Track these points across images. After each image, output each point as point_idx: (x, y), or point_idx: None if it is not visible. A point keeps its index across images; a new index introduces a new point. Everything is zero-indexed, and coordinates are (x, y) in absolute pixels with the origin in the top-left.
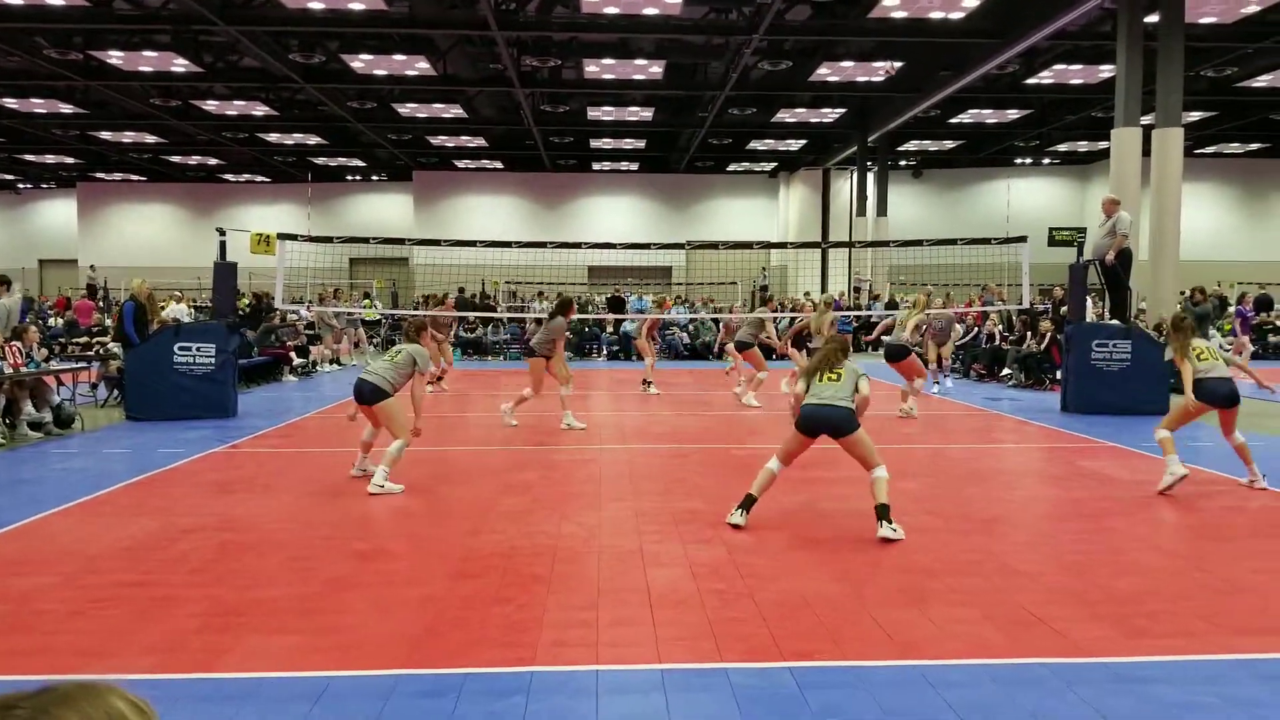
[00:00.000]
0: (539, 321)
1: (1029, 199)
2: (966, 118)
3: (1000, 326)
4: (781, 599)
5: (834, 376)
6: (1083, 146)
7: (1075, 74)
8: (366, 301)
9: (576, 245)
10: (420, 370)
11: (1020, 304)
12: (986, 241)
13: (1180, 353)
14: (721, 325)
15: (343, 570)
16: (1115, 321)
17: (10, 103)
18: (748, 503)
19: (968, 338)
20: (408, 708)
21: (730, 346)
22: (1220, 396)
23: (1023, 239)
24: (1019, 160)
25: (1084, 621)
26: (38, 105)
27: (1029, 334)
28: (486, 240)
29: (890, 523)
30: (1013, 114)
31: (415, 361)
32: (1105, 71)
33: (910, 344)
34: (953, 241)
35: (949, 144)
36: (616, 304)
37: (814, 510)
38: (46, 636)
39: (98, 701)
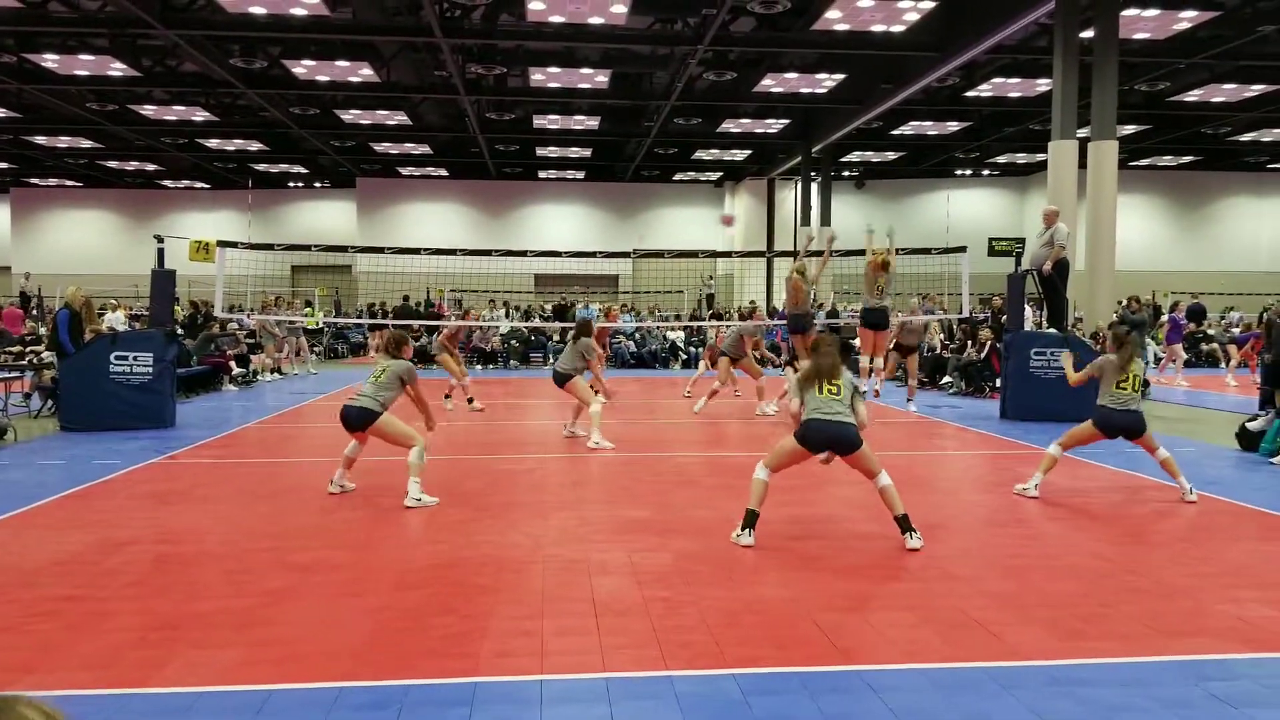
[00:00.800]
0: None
1: (969, 209)
2: (908, 129)
3: (941, 335)
4: (725, 606)
5: (834, 389)
6: (1021, 158)
7: (1013, 87)
8: (308, 309)
9: (522, 253)
10: (408, 383)
11: (960, 313)
12: (927, 251)
13: (1109, 369)
14: (708, 343)
15: (283, 582)
16: (1053, 330)
17: None
18: (751, 520)
19: None
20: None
21: (721, 360)
22: (1117, 428)
23: (962, 249)
24: (959, 171)
25: (1020, 625)
26: None
27: (969, 342)
28: (431, 248)
29: (914, 531)
30: (953, 126)
31: (402, 379)
32: (1043, 85)
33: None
34: (895, 251)
35: (891, 155)
36: (562, 312)
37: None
38: None
39: (7, 712)
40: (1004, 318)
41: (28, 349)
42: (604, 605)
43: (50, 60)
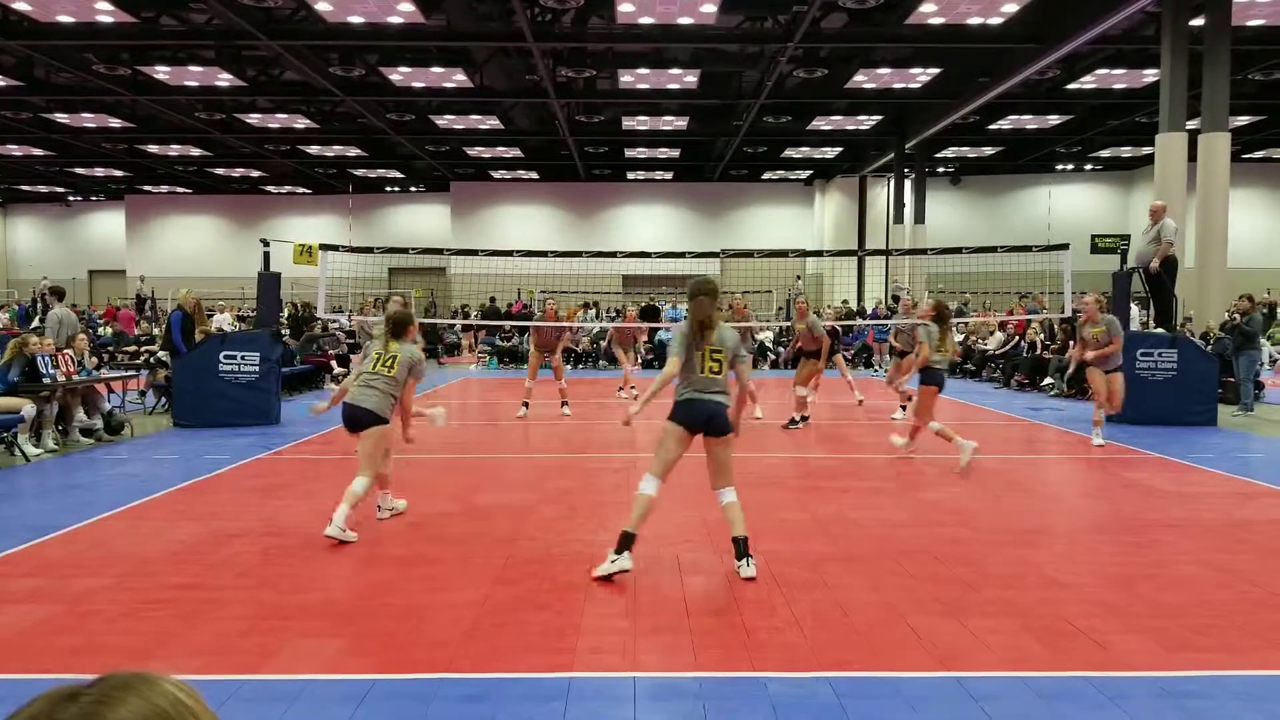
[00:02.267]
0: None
1: (1071, 206)
2: (1006, 124)
3: (1042, 335)
4: (817, 609)
5: (715, 365)
6: (1126, 152)
7: (1118, 79)
8: None
9: (612, 254)
10: (415, 378)
11: (1062, 313)
12: (1028, 249)
13: (929, 340)
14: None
15: (384, 575)
16: (1161, 330)
17: (61, 118)
18: (627, 542)
19: (1008, 346)
20: (448, 711)
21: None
22: (942, 380)
23: (1065, 246)
24: (1060, 166)
25: (1126, 634)
26: (88, 120)
27: (1071, 343)
28: (522, 250)
29: (751, 558)
30: (1054, 119)
31: (410, 370)
32: (1149, 76)
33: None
34: (993, 249)
35: (988, 150)
36: (651, 313)
37: (846, 520)
38: (97, 637)
39: (155, 687)
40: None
41: (142, 349)
42: (695, 605)
43: (161, 72)
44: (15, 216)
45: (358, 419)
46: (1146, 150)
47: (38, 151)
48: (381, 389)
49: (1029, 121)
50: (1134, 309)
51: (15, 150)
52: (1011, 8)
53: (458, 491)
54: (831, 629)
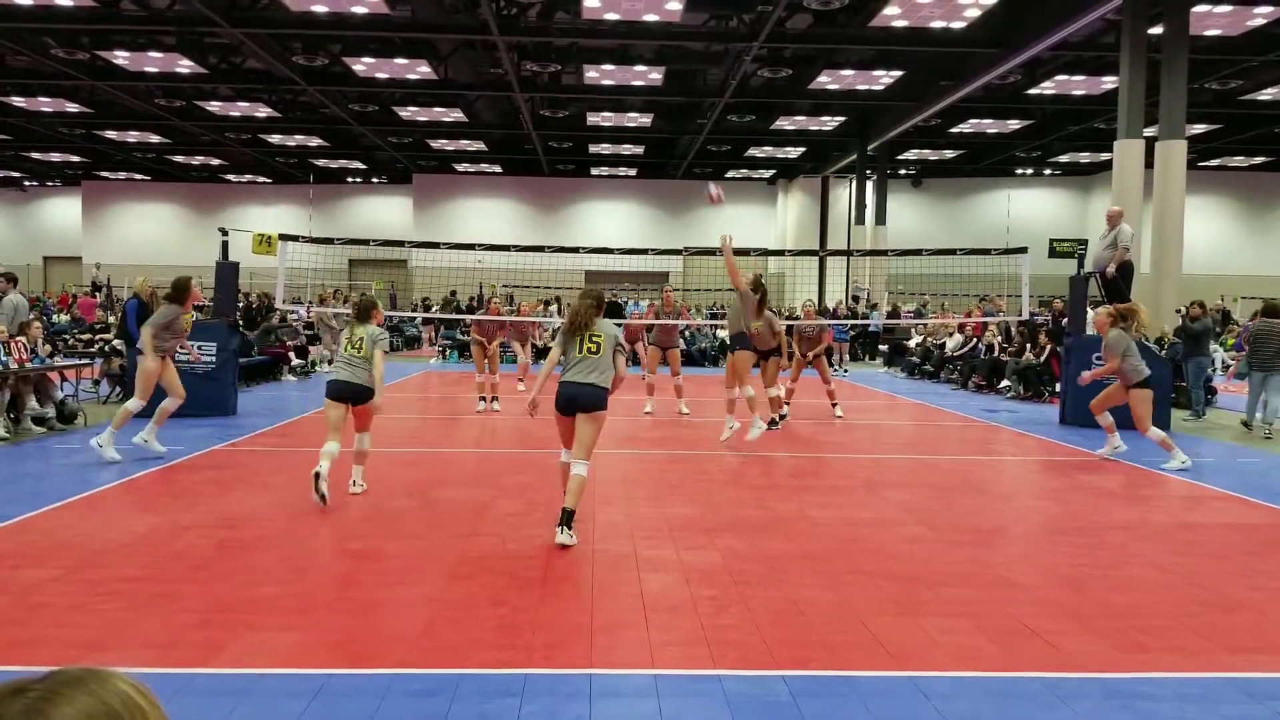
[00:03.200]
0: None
1: (1030, 210)
2: (967, 127)
3: (999, 338)
4: (774, 606)
5: (592, 347)
6: (1084, 158)
7: (1078, 84)
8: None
9: (574, 250)
10: (380, 350)
11: (1020, 315)
12: (986, 252)
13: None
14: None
15: (339, 569)
16: None
17: (18, 101)
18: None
19: (965, 349)
20: (403, 706)
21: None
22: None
23: (1023, 250)
24: (1020, 170)
25: (1078, 635)
26: (45, 104)
27: (1028, 346)
28: (485, 244)
29: (570, 529)
30: (1014, 124)
31: (375, 343)
32: (1108, 83)
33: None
34: (952, 251)
35: (949, 153)
36: (613, 309)
37: (805, 518)
38: (46, 629)
39: (106, 683)
40: (1065, 321)
41: (98, 337)
42: (652, 601)
43: (121, 57)
44: None
45: (352, 394)
46: (1105, 156)
47: None
48: (361, 366)
49: (990, 125)
50: (1089, 313)
51: None
52: (974, 12)
53: (415, 486)
54: (788, 627)
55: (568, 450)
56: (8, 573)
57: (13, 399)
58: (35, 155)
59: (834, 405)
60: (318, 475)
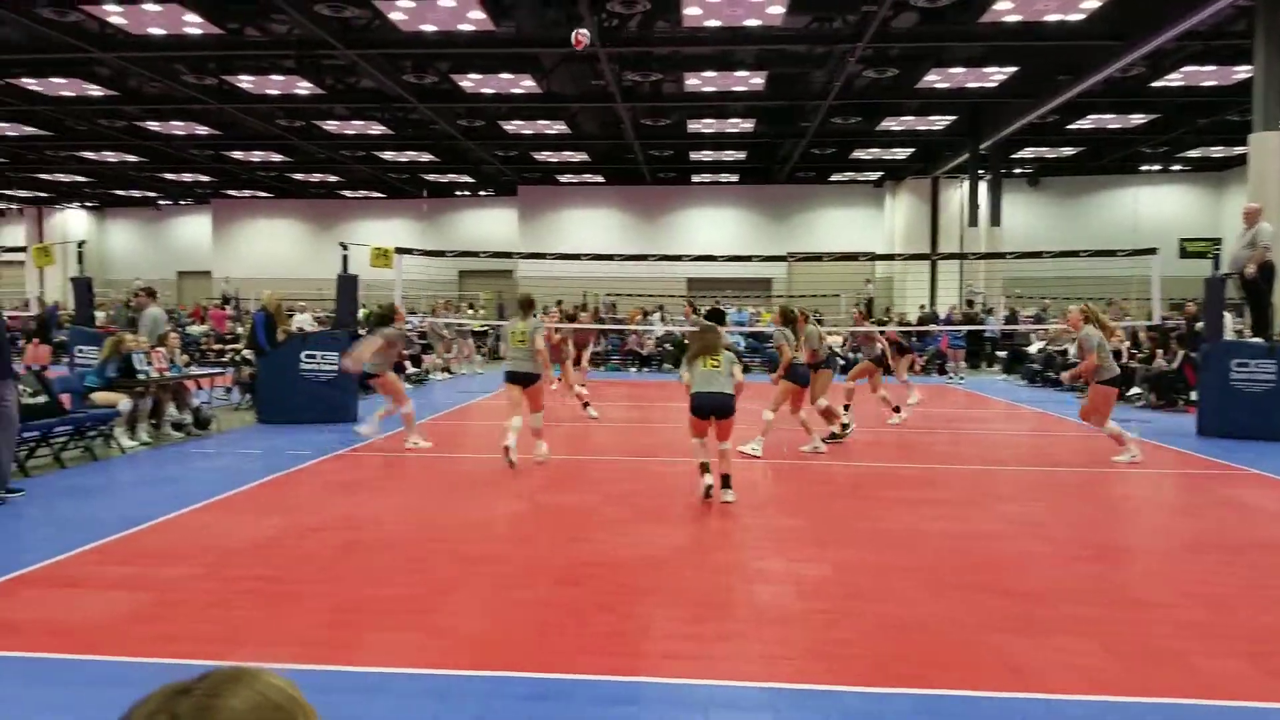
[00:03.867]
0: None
1: (1158, 208)
2: (1087, 123)
3: (1127, 343)
4: (888, 621)
5: (715, 363)
6: (1217, 152)
7: (1207, 75)
8: (470, 312)
9: (677, 258)
10: (540, 336)
11: (1149, 320)
12: (1113, 253)
13: (786, 340)
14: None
15: (455, 572)
16: (1258, 339)
17: (153, 125)
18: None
19: None
20: (514, 710)
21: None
22: (801, 377)
23: (1152, 251)
24: (1146, 167)
25: (1219, 659)
26: (177, 127)
27: (1159, 352)
28: (589, 253)
29: (730, 490)
30: (1138, 118)
31: (535, 332)
32: (1241, 72)
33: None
34: (1075, 253)
35: (1068, 151)
36: (716, 316)
37: (919, 531)
38: (187, 624)
39: (262, 680)
40: (1199, 325)
41: (228, 347)
42: (765, 613)
43: (245, 81)
44: (111, 220)
45: (527, 377)
46: (1239, 150)
47: (131, 158)
48: (526, 356)
49: (1111, 121)
50: (1228, 317)
51: (111, 157)
52: (1093, 4)
53: (525, 491)
54: (904, 643)
55: (699, 438)
56: (151, 570)
57: (154, 406)
58: (169, 176)
59: (895, 410)
60: (507, 447)
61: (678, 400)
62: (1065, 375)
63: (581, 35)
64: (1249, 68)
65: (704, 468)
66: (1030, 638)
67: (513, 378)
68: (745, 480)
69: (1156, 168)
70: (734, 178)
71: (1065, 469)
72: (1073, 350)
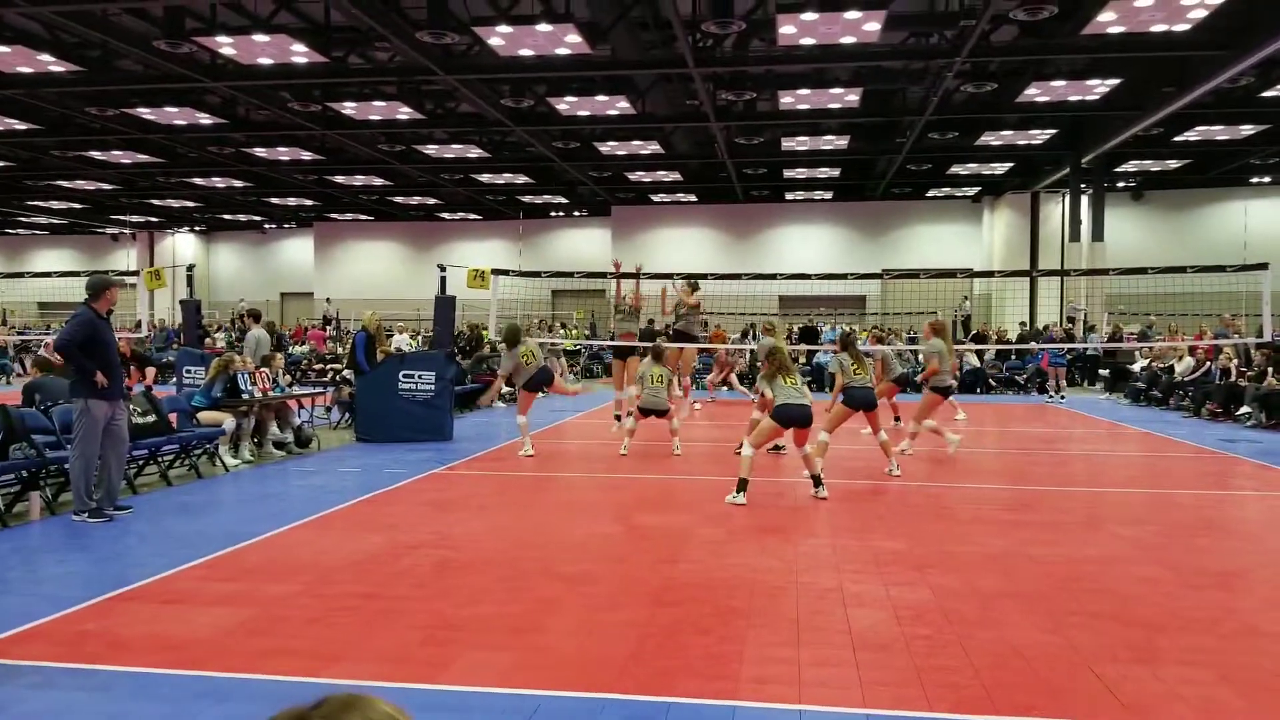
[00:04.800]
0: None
1: (1270, 221)
2: (1193, 135)
3: (1236, 361)
4: (992, 648)
5: (795, 380)
6: None
7: None
8: (564, 331)
9: (771, 276)
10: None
11: (1260, 337)
12: (1221, 269)
13: (840, 369)
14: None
15: (551, 591)
16: None
17: (259, 152)
18: (743, 486)
19: (1198, 373)
20: None
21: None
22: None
23: (1263, 266)
24: (1256, 180)
25: None
26: (282, 153)
27: (1270, 369)
28: (682, 273)
29: (823, 486)
30: (1248, 129)
31: (666, 380)
32: None
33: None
34: (1182, 269)
35: (1173, 163)
36: (809, 334)
37: (1022, 555)
38: (288, 640)
39: (373, 707)
40: None
41: (328, 366)
42: (861, 638)
43: (349, 108)
44: (217, 243)
45: (658, 412)
46: None
47: (238, 183)
48: (662, 395)
49: (1219, 132)
50: None
51: (219, 182)
52: (1200, 13)
53: (620, 511)
54: (1009, 670)
55: (750, 444)
56: (255, 586)
57: (257, 425)
58: (274, 200)
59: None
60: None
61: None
62: (921, 378)
63: (618, 260)
64: None
65: (743, 485)
66: (1143, 667)
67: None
68: (842, 501)
69: (1267, 180)
70: (828, 195)
71: (1176, 491)
72: (1180, 368)
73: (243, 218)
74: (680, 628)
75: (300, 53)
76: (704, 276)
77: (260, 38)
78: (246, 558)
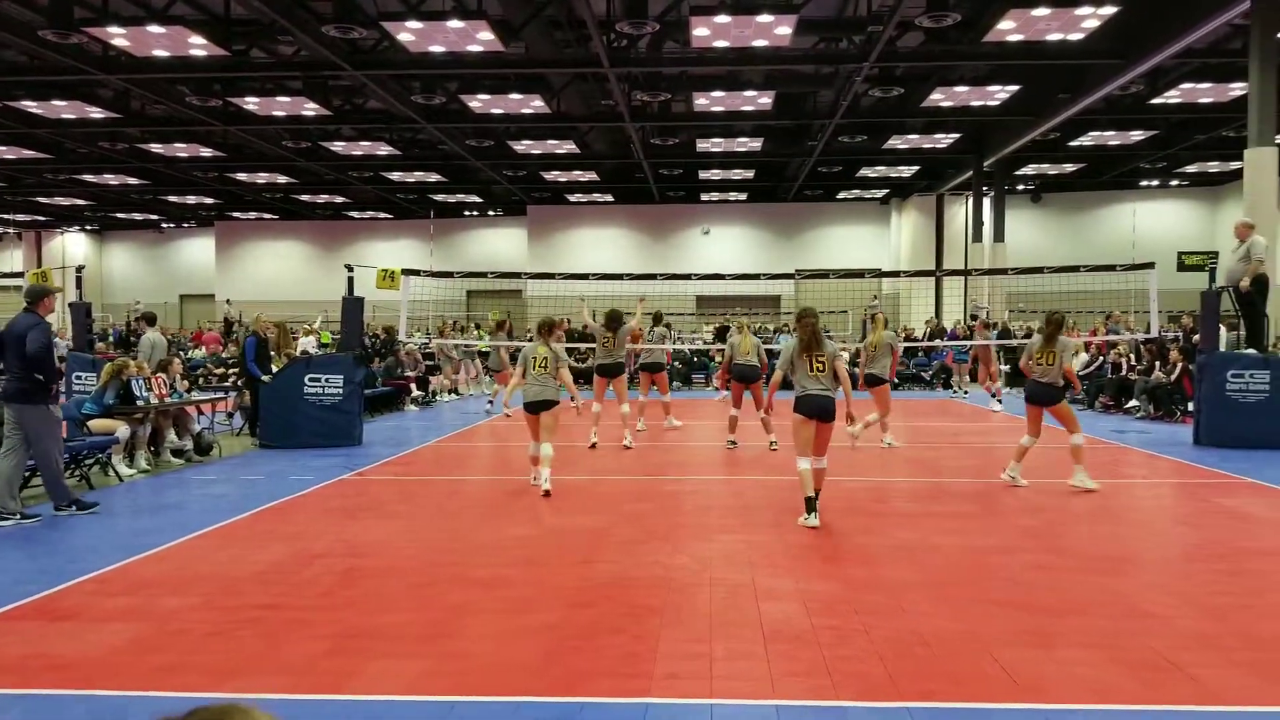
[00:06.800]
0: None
1: (1156, 223)
2: (1088, 140)
3: (1127, 356)
4: (898, 636)
5: (820, 366)
6: (1213, 167)
7: (1204, 92)
8: (478, 332)
9: (686, 276)
10: (563, 365)
11: (1148, 333)
12: (1112, 268)
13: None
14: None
15: (463, 597)
16: (1252, 351)
17: (156, 148)
18: (812, 505)
19: (1091, 367)
20: None
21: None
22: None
23: (1150, 265)
24: (1145, 183)
25: (1222, 668)
26: (180, 149)
27: (1157, 364)
28: (598, 273)
29: (815, 513)
30: (1137, 135)
31: (558, 359)
32: (1237, 89)
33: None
34: (1076, 268)
35: (1069, 167)
36: (724, 334)
37: (926, 545)
38: (186, 655)
39: (249, 716)
40: (1195, 337)
41: (230, 370)
42: (773, 631)
43: (251, 103)
44: (111, 243)
45: (547, 404)
46: (1235, 165)
47: (133, 181)
48: (550, 383)
49: (1111, 137)
50: (1222, 330)
51: (112, 180)
52: (1093, 23)
53: (534, 514)
54: (913, 658)
55: (804, 457)
56: (151, 600)
57: (153, 432)
58: (172, 198)
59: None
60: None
61: (692, 418)
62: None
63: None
64: (1244, 84)
65: (811, 504)
66: (1039, 650)
67: (535, 408)
68: (757, 496)
69: (1155, 183)
70: (742, 196)
71: (1070, 481)
72: (1075, 364)
73: (139, 216)
74: (595, 628)
75: (199, 45)
76: (619, 277)
77: (155, 29)
78: (142, 570)
